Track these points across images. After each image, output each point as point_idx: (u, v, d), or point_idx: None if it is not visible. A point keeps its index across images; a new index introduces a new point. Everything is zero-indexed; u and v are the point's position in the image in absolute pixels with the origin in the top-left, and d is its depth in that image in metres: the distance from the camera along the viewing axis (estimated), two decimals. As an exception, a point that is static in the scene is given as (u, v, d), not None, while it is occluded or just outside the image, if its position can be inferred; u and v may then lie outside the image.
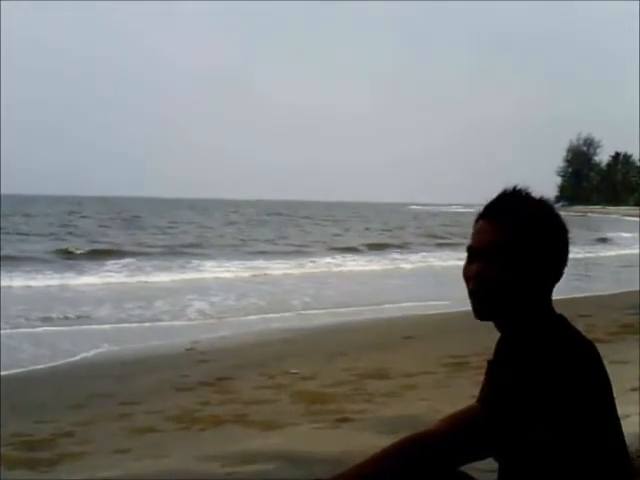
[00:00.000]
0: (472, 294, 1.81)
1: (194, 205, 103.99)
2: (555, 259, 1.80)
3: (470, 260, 1.83)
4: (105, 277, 19.30)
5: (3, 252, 24.82)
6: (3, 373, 8.19)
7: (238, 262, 24.67)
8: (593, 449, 1.68)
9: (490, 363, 1.79)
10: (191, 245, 31.49)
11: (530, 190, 1.81)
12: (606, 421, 1.73)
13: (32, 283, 17.59)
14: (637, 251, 29.74)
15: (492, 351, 1.83)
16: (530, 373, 1.63)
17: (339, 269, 23.93)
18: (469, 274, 1.81)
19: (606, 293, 16.27)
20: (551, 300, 1.82)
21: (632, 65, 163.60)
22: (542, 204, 1.81)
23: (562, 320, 1.79)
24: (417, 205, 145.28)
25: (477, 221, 1.83)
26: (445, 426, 1.70)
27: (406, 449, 1.70)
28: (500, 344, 1.82)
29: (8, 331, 10.97)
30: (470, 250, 1.83)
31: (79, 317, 12.65)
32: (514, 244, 1.76)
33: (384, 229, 51.40)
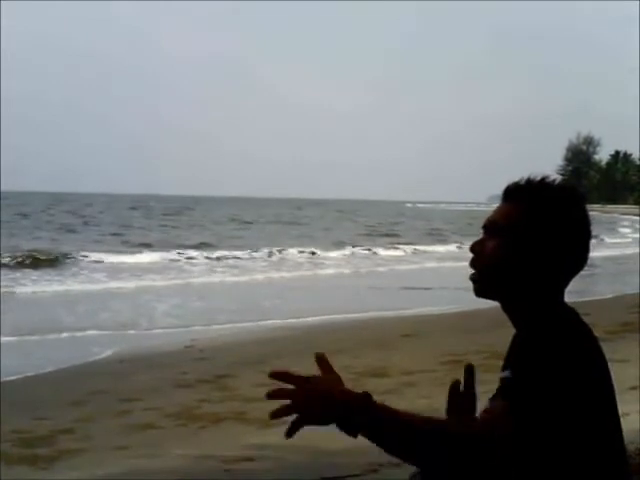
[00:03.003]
0: (470, 266, 1.81)
1: (197, 203, 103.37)
2: (567, 251, 1.75)
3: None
4: (104, 278, 18.96)
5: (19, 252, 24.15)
6: (4, 379, 8.12)
7: (239, 262, 24.59)
8: (599, 446, 1.67)
9: (508, 355, 1.75)
10: (195, 245, 30.91)
11: (557, 178, 1.78)
12: (611, 419, 1.73)
13: (27, 289, 16.48)
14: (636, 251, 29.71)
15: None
16: (545, 369, 1.61)
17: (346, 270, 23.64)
18: (471, 247, 1.82)
19: (607, 296, 16.11)
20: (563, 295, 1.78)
21: (632, 64, 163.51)
22: (565, 193, 1.77)
23: (575, 314, 1.77)
24: (421, 203, 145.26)
25: None
26: (480, 427, 1.61)
27: (447, 437, 1.58)
28: (514, 339, 1.77)
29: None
30: (483, 228, 1.83)
31: (79, 320, 12.55)
32: (521, 224, 1.74)
33: (392, 227, 51.37)
